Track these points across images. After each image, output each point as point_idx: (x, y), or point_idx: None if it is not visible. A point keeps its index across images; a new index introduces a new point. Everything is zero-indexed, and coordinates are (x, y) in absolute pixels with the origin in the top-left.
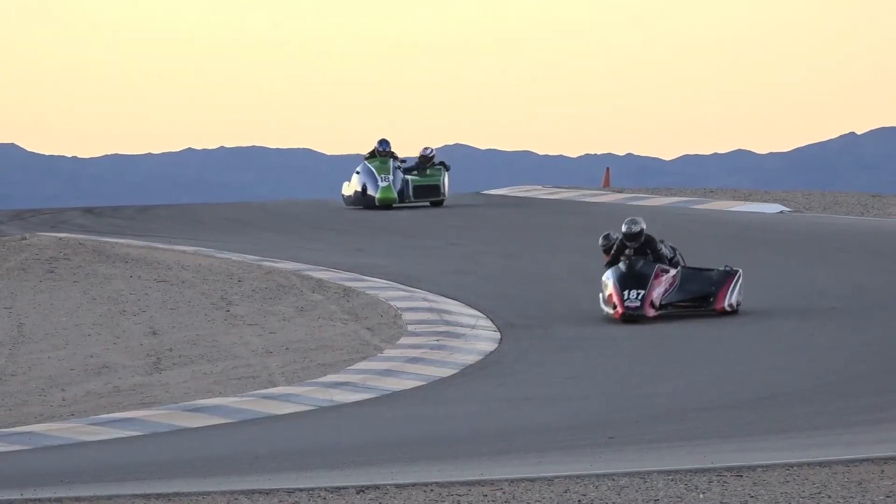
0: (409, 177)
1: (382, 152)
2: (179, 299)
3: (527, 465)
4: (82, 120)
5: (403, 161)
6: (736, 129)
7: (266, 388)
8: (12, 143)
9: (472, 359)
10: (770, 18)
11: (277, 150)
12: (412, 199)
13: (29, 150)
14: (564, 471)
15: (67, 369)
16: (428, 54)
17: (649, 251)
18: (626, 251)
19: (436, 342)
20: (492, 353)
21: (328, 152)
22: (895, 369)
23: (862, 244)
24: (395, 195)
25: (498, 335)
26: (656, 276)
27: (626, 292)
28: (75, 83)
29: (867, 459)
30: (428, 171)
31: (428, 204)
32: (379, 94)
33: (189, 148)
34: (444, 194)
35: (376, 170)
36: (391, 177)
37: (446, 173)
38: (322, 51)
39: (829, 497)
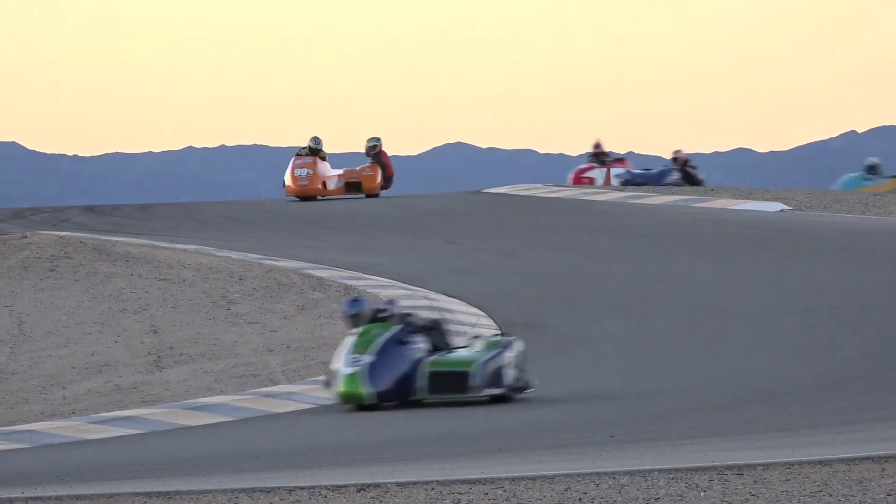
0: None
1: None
2: (180, 298)
3: (527, 464)
4: (83, 118)
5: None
6: (736, 127)
7: (267, 386)
8: (13, 142)
9: None
10: (770, 16)
11: (278, 148)
12: (429, 394)
13: (30, 148)
14: (565, 469)
15: (68, 367)
16: (428, 52)
17: None
18: None
19: None
20: None
21: (328, 150)
22: (894, 367)
23: (862, 243)
24: (364, 391)
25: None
26: None
27: None
28: (76, 82)
29: (868, 458)
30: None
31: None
32: (379, 92)
33: (190, 146)
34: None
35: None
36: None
37: (510, 346)
38: (323, 49)
39: (830, 495)
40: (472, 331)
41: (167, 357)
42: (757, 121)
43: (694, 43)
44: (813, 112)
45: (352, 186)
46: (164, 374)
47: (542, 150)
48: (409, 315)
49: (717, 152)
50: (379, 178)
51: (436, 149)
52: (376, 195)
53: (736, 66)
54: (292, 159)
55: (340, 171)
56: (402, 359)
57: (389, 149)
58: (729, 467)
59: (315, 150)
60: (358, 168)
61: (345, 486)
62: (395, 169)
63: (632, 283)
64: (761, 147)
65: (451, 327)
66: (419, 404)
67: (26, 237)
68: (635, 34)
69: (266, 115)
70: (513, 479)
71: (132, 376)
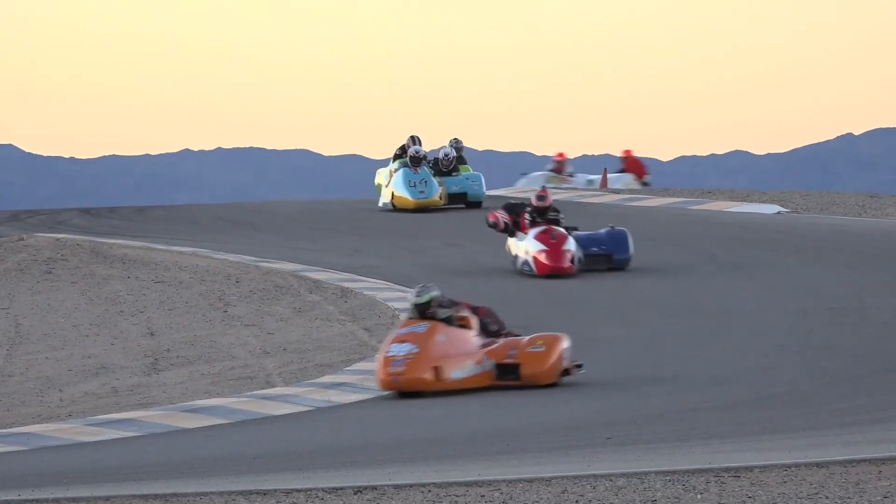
0: None
1: None
2: (177, 300)
3: (524, 466)
4: (80, 121)
5: None
6: (733, 129)
7: (263, 388)
8: (10, 144)
9: None
10: (767, 19)
11: (275, 150)
12: None
13: (27, 150)
14: (562, 471)
15: (65, 370)
16: (425, 55)
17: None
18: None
19: None
20: None
21: (325, 153)
22: (893, 369)
23: (859, 244)
24: None
25: None
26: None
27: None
28: (73, 84)
29: (865, 460)
30: None
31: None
32: (376, 95)
33: (186, 149)
34: None
35: None
36: None
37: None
38: (319, 51)
39: (827, 497)
40: None
41: (164, 359)
42: (754, 123)
43: (691, 45)
44: (810, 114)
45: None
46: (160, 377)
47: (538, 153)
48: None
49: (714, 154)
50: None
51: (432, 151)
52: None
53: (733, 68)
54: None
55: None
56: None
57: (387, 151)
58: (726, 469)
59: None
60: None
61: (341, 488)
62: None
63: (629, 286)
64: (758, 149)
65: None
66: (413, 406)
67: (23, 239)
68: (632, 36)
69: (263, 118)
70: (510, 482)
71: (129, 379)
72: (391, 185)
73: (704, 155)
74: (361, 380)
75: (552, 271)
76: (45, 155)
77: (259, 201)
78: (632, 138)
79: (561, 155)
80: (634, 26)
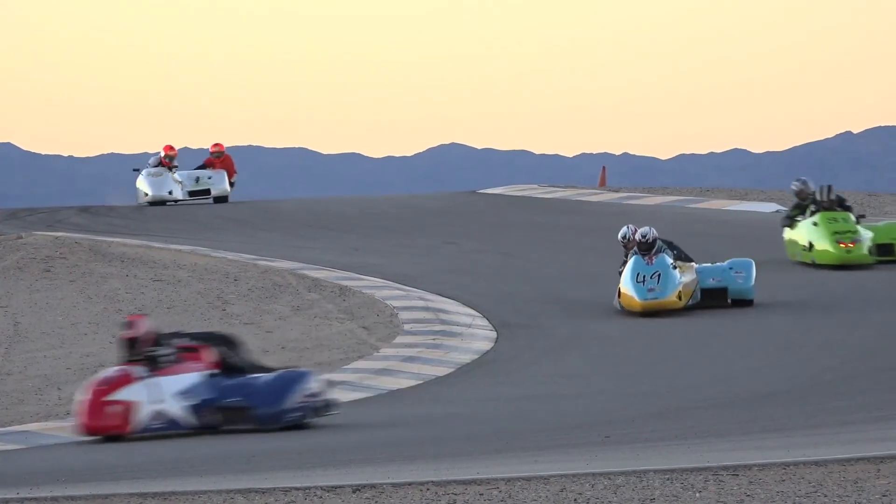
0: None
1: None
2: (175, 298)
3: (523, 464)
4: (78, 119)
5: None
6: (732, 128)
7: None
8: (8, 143)
9: (468, 358)
10: (766, 17)
11: (273, 149)
12: None
13: (25, 149)
14: (560, 470)
15: (63, 368)
16: (423, 53)
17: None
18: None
19: (432, 341)
20: (488, 352)
21: (324, 151)
22: (892, 368)
23: None
24: None
25: (494, 334)
26: None
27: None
28: (71, 82)
29: (863, 458)
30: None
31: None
32: (375, 93)
33: (185, 147)
34: None
35: None
36: None
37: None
38: (318, 49)
39: (825, 496)
40: (467, 331)
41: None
42: (753, 121)
43: (689, 43)
44: (808, 113)
45: None
46: None
47: (537, 151)
48: None
49: (712, 153)
50: None
51: (431, 149)
52: None
53: (731, 67)
54: None
55: None
56: None
57: (385, 150)
58: (724, 468)
59: None
60: None
61: (340, 486)
62: (393, 168)
63: None
64: (757, 148)
65: (447, 327)
66: (412, 405)
67: (21, 238)
68: (631, 35)
69: (261, 116)
70: (508, 480)
71: None
72: (623, 275)
73: (703, 153)
74: (360, 378)
75: (89, 431)
76: (43, 153)
77: (257, 199)
78: (631, 136)
79: (170, 148)
80: (634, 25)
